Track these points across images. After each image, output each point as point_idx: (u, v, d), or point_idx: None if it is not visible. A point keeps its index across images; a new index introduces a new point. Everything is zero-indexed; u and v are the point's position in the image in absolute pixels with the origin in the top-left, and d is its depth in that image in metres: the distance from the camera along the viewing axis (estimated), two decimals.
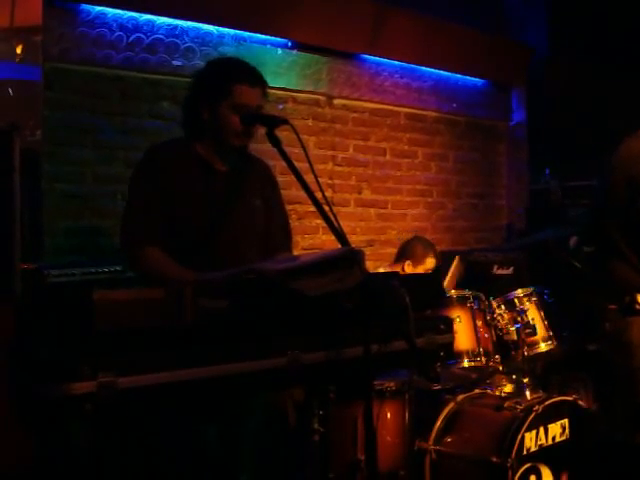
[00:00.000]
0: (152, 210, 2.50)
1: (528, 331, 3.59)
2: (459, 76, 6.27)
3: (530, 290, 3.71)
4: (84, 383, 1.58)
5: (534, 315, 3.64)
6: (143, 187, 2.56)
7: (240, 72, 2.57)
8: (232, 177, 2.64)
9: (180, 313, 1.71)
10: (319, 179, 2.20)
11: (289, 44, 5.11)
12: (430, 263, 4.53)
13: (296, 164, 2.24)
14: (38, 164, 3.79)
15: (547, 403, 3.28)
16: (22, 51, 3.81)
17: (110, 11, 4.26)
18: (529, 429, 3.18)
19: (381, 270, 4.48)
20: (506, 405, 3.32)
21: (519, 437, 3.13)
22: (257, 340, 1.82)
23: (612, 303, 3.08)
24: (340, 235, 2.04)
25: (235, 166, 2.66)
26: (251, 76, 2.57)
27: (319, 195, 2.12)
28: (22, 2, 3.80)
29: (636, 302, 2.98)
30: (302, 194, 2.18)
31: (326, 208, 2.09)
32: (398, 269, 4.48)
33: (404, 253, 4.56)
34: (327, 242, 5.02)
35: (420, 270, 4.49)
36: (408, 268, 4.48)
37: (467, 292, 3.61)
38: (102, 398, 1.59)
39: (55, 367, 1.60)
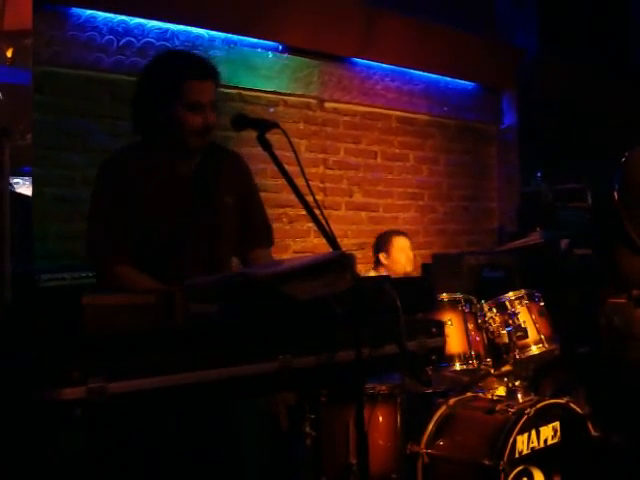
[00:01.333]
0: (117, 225, 2.43)
1: (519, 334, 3.59)
2: (450, 79, 6.29)
3: (521, 293, 3.71)
4: (74, 388, 1.56)
5: (525, 318, 3.64)
6: (104, 202, 2.47)
7: (187, 68, 2.44)
8: (199, 177, 2.53)
9: (170, 318, 1.70)
10: (310, 182, 2.19)
11: (280, 47, 5.12)
12: (399, 241, 4.67)
13: (287, 168, 2.24)
14: (28, 168, 3.78)
15: (539, 406, 3.28)
16: (12, 55, 3.80)
17: (100, 15, 4.26)
18: (521, 432, 3.18)
19: (372, 273, 4.51)
20: (498, 408, 3.32)
21: (511, 440, 3.13)
22: (248, 344, 1.82)
23: (619, 297, 3.07)
24: (331, 239, 2.04)
25: (202, 164, 2.55)
26: (199, 70, 2.44)
27: (310, 199, 2.12)
28: (12, 6, 3.79)
29: None
30: (293, 197, 2.17)
31: (317, 212, 2.08)
32: (380, 269, 4.57)
33: (374, 252, 4.73)
34: (318, 245, 5.01)
35: (396, 252, 4.63)
36: (385, 260, 4.62)
37: (458, 295, 3.61)
38: (92, 403, 1.58)
39: (44, 372, 1.59)
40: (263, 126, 2.29)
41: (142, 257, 2.44)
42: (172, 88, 2.42)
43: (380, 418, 3.11)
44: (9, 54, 3.81)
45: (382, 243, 4.69)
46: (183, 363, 1.72)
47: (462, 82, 6.40)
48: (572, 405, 3.44)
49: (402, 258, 4.63)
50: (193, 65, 2.47)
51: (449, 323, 3.45)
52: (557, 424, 3.34)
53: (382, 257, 4.62)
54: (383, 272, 4.50)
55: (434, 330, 2.22)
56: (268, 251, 2.72)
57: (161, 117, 2.45)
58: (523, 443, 3.20)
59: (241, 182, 2.65)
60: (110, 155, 2.61)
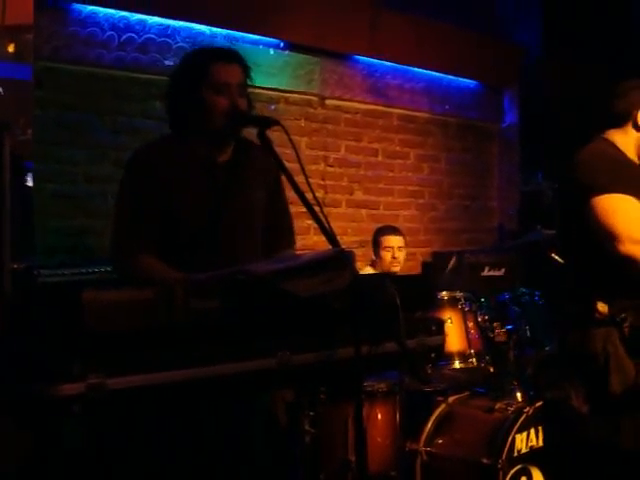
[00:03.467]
0: (144, 214, 2.43)
1: (519, 333, 3.59)
2: (451, 77, 6.28)
3: (521, 291, 3.71)
4: (73, 384, 1.56)
5: (525, 316, 3.65)
6: (133, 190, 2.48)
7: (213, 52, 2.53)
8: (232, 168, 2.54)
9: (170, 314, 1.70)
10: (311, 180, 2.19)
11: (281, 44, 5.12)
12: (387, 240, 4.70)
13: (288, 165, 2.24)
14: (28, 164, 3.78)
15: (538, 405, 3.29)
16: (13, 50, 3.80)
17: (102, 10, 4.26)
18: (520, 431, 3.19)
19: (368, 269, 4.52)
20: (497, 407, 3.33)
21: (510, 439, 3.14)
22: (247, 341, 1.81)
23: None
24: (331, 236, 2.03)
25: (236, 156, 2.56)
26: (225, 54, 2.51)
27: (310, 196, 2.11)
28: (13, 1, 3.79)
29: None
30: (293, 194, 2.17)
31: (317, 209, 2.08)
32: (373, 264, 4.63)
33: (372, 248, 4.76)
34: (319, 243, 5.01)
35: (382, 251, 4.68)
36: (373, 254, 4.73)
37: (458, 294, 3.62)
38: (92, 399, 1.58)
39: (44, 368, 1.59)
40: (263, 123, 2.29)
41: (168, 249, 2.44)
42: (199, 71, 2.45)
43: (379, 416, 3.12)
44: (10, 49, 3.81)
45: (373, 240, 4.75)
46: (183, 359, 1.71)
47: (464, 80, 6.40)
48: (572, 403, 3.45)
49: (387, 257, 4.63)
50: (217, 50, 2.55)
51: (449, 321, 3.45)
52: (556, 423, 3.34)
53: (373, 254, 4.67)
54: (381, 268, 4.52)
55: (434, 328, 2.22)
56: (293, 251, 2.74)
57: (189, 103, 2.47)
58: (522, 442, 3.20)
59: (272, 178, 2.64)
60: (139, 147, 2.63)
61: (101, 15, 4.26)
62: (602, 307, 2.81)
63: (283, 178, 2.33)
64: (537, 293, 3.78)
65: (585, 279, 2.92)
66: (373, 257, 4.74)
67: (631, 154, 2.93)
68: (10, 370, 1.68)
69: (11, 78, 3.80)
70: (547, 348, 3.68)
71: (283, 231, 2.70)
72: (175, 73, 2.58)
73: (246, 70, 2.54)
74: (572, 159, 2.92)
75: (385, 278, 2.04)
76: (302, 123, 5.28)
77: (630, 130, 2.91)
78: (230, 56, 2.51)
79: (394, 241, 4.67)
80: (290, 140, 2.22)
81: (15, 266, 3.14)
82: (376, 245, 4.70)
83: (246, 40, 4.89)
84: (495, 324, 3.62)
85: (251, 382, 1.87)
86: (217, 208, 2.48)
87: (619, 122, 2.93)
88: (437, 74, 6.15)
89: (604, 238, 2.72)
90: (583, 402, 3.78)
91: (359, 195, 5.62)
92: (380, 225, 4.99)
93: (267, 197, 2.62)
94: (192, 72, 2.48)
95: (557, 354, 3.73)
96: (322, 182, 5.33)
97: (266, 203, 2.61)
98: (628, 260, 2.69)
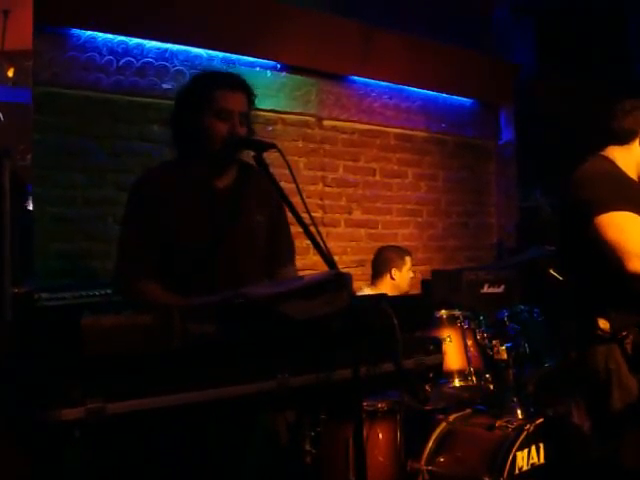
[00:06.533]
0: (145, 240, 2.46)
1: (519, 350, 3.59)
2: (447, 96, 6.32)
3: (520, 308, 3.71)
4: (73, 409, 1.57)
5: (525, 333, 3.65)
6: (135, 216, 2.51)
7: (219, 78, 2.54)
8: (233, 194, 2.56)
9: (169, 338, 1.71)
10: (309, 200, 2.22)
11: (278, 66, 5.16)
12: (409, 261, 4.67)
13: (286, 185, 2.26)
14: (28, 188, 3.80)
15: (538, 422, 3.28)
16: (13, 74, 3.84)
17: (100, 35, 4.31)
18: (521, 448, 3.18)
19: (366, 290, 4.50)
20: (497, 424, 3.32)
21: (511, 456, 3.12)
22: (246, 364, 1.82)
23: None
24: (327, 257, 2.05)
25: (237, 181, 2.59)
26: (231, 81, 2.52)
27: (307, 216, 2.13)
28: (13, 26, 3.84)
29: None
30: (292, 215, 2.19)
31: (313, 229, 2.09)
32: (386, 282, 4.53)
33: (383, 265, 4.65)
34: (318, 263, 4.94)
35: (406, 271, 4.61)
36: (396, 274, 4.58)
37: (457, 312, 3.62)
38: (91, 424, 1.59)
39: (43, 392, 1.60)
40: (260, 147, 2.31)
41: (169, 273, 2.46)
42: (203, 97, 2.47)
43: (380, 435, 3.11)
44: (10, 74, 3.85)
45: (396, 259, 4.64)
46: (182, 383, 1.72)
47: (460, 98, 6.44)
48: (573, 420, 3.44)
49: (409, 276, 4.66)
50: (224, 76, 2.57)
51: (448, 339, 3.45)
52: (557, 440, 3.33)
53: (395, 273, 4.60)
54: (382, 289, 4.49)
55: (431, 347, 2.23)
56: (293, 268, 2.76)
57: (192, 128, 2.49)
58: (523, 459, 3.19)
59: (272, 200, 2.64)
60: (143, 172, 2.64)
61: (100, 40, 4.31)
62: (604, 324, 2.82)
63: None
64: (536, 310, 3.78)
65: (586, 296, 2.92)
66: (389, 278, 4.59)
67: (631, 171, 2.94)
68: (10, 394, 1.69)
69: (11, 102, 3.84)
70: (547, 365, 3.67)
71: (282, 249, 2.72)
72: (179, 96, 2.59)
73: (250, 99, 2.56)
74: (572, 176, 2.93)
75: (382, 299, 2.05)
76: (300, 144, 5.30)
77: (635, 148, 2.93)
78: (236, 84, 2.53)
79: (411, 260, 4.71)
80: (286, 162, 2.24)
81: (16, 290, 3.15)
82: (396, 265, 4.61)
83: (243, 62, 4.93)
84: (494, 342, 3.61)
85: (251, 405, 1.87)
86: (218, 234, 2.50)
87: (622, 139, 2.94)
88: (433, 93, 6.19)
89: (611, 255, 2.73)
90: (584, 419, 3.78)
91: (357, 214, 5.64)
92: (385, 245, 4.96)
93: (268, 220, 2.64)
94: (196, 96, 2.50)
95: (558, 371, 3.73)
96: (320, 202, 5.35)
97: (267, 226, 2.64)
98: (636, 277, 2.70)
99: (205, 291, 2.25)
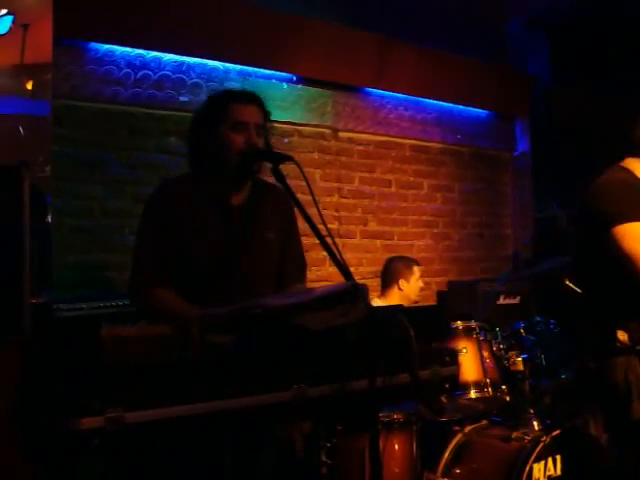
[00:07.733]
0: (162, 249, 2.49)
1: (535, 361, 3.58)
2: (463, 107, 6.32)
3: (536, 320, 3.70)
4: (92, 418, 1.59)
5: (541, 345, 3.63)
6: (152, 226, 2.54)
7: (233, 93, 2.62)
8: (247, 210, 2.60)
9: (187, 348, 1.73)
10: (325, 211, 2.23)
11: (294, 78, 5.19)
12: (418, 271, 4.66)
13: (302, 197, 2.28)
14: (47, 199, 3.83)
15: (555, 434, 3.27)
16: (32, 87, 3.88)
17: (118, 49, 4.35)
18: (537, 460, 3.18)
19: (376, 301, 4.50)
20: (514, 436, 3.32)
21: (527, 468, 3.12)
22: (262, 374, 1.84)
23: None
24: (343, 268, 2.06)
25: (251, 198, 2.63)
26: (244, 95, 2.60)
27: (323, 228, 2.15)
28: (33, 40, 3.87)
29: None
30: (308, 227, 2.21)
31: (329, 241, 2.11)
32: (394, 293, 4.54)
33: (391, 277, 4.65)
34: (334, 274, 5.03)
35: (414, 281, 4.60)
36: (404, 285, 4.57)
37: (473, 323, 3.61)
38: (110, 433, 1.60)
39: (63, 402, 1.61)
40: (277, 159, 2.34)
41: (185, 284, 2.48)
42: (218, 111, 2.54)
43: (396, 446, 3.11)
44: (29, 87, 3.88)
45: (403, 269, 4.67)
46: (199, 393, 1.74)
47: (475, 110, 6.44)
48: (590, 432, 3.43)
49: (418, 285, 4.65)
50: (238, 91, 2.64)
51: (464, 351, 3.45)
52: (574, 451, 3.32)
53: (402, 284, 4.60)
54: (391, 300, 4.50)
55: (447, 359, 2.23)
56: (303, 285, 2.78)
57: (208, 140, 2.55)
58: (540, 471, 3.19)
59: (283, 217, 2.71)
60: (159, 185, 2.67)
61: (117, 53, 4.35)
62: (622, 336, 2.81)
63: (297, 212, 2.37)
64: (552, 321, 3.77)
65: (604, 307, 2.91)
66: (397, 289, 4.58)
67: None
68: (29, 405, 1.71)
69: (30, 115, 3.87)
70: (563, 376, 3.66)
71: (294, 266, 2.75)
72: (197, 113, 2.66)
73: (265, 112, 2.61)
74: (590, 187, 2.93)
75: (399, 310, 2.06)
76: (316, 155, 5.32)
77: None
78: (248, 97, 2.59)
79: (419, 270, 4.71)
80: (303, 175, 2.26)
81: (34, 301, 3.17)
82: (403, 276, 4.60)
83: (259, 75, 4.97)
84: (510, 353, 3.60)
85: (267, 415, 1.88)
86: (232, 250, 2.53)
87: None
88: (449, 104, 6.19)
89: (629, 266, 2.72)
90: (602, 431, 3.76)
91: (373, 226, 5.65)
92: (393, 256, 4.95)
93: (278, 237, 2.67)
94: (212, 111, 2.57)
95: (575, 383, 3.72)
96: (336, 214, 5.36)
97: (278, 243, 2.67)
98: None
99: (220, 300, 2.26)
